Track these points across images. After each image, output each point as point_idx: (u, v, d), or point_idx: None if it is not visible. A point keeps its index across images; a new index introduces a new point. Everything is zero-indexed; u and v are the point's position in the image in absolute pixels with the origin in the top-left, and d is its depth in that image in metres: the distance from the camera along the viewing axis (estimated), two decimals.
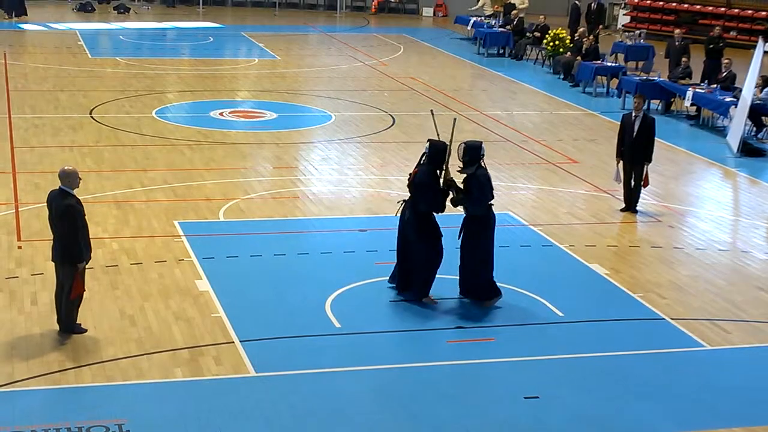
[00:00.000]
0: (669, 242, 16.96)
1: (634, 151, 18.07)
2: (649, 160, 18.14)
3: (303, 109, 26.36)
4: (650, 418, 11.14)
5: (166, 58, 33.25)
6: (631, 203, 18.28)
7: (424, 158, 13.81)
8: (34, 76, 28.82)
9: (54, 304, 12.67)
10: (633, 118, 18.10)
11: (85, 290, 12.58)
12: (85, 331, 12.54)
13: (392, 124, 24.57)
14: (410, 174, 13.98)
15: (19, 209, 17.10)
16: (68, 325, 12.48)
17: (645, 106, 19.70)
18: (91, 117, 24.04)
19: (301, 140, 23.08)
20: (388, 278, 14.37)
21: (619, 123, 18.68)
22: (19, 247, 15.41)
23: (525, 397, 11.51)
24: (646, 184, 18.21)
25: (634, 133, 18.01)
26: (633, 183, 18.21)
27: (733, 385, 11.99)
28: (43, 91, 26.87)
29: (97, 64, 31.45)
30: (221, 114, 25.01)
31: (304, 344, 12.57)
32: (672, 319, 13.79)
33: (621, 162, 18.25)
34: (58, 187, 12.36)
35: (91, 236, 12.60)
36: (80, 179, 12.49)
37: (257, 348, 12.35)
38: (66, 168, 12.44)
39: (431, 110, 15.53)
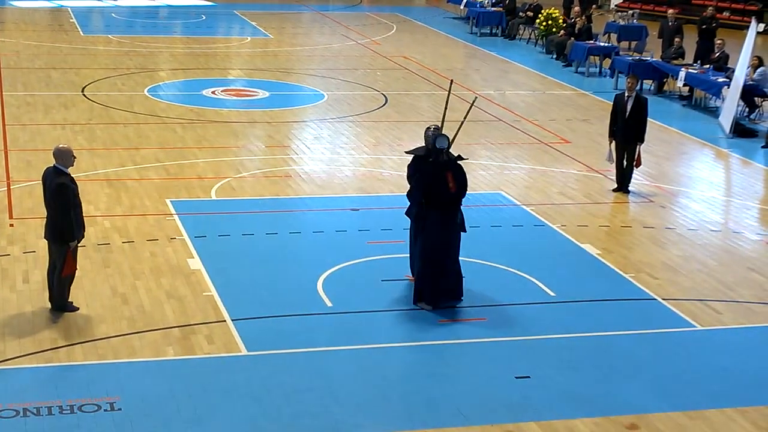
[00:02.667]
0: (661, 222, 16.98)
1: (627, 131, 18.07)
2: (642, 140, 18.14)
3: (295, 88, 26.32)
4: (641, 398, 11.16)
5: (158, 36, 33.15)
6: (623, 183, 18.29)
7: (445, 155, 12.86)
8: (26, 54, 28.72)
9: (46, 282, 12.66)
10: (626, 98, 18.10)
11: (76, 269, 12.56)
12: (77, 309, 12.54)
13: (385, 103, 24.54)
14: (447, 181, 12.98)
15: (11, 187, 17.06)
16: (60, 303, 12.47)
17: (638, 87, 19.67)
18: (83, 95, 23.98)
19: (294, 119, 23.05)
20: (415, 301, 13.24)
21: (611, 103, 18.68)
22: (11, 225, 15.39)
23: (516, 377, 11.52)
24: (638, 165, 18.21)
25: (627, 113, 18.01)
26: (625, 163, 18.21)
27: (724, 365, 12.02)
28: (35, 68, 26.79)
29: (89, 41, 31.36)
30: (213, 92, 24.96)
31: (296, 323, 12.58)
32: (663, 299, 13.82)
33: (613, 142, 18.25)
34: (52, 165, 12.34)
35: (83, 214, 12.58)
36: (74, 157, 12.46)
37: (249, 327, 12.36)
38: (60, 146, 12.42)
39: (451, 80, 15.51)
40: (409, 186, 13.66)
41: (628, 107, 18.00)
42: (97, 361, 11.40)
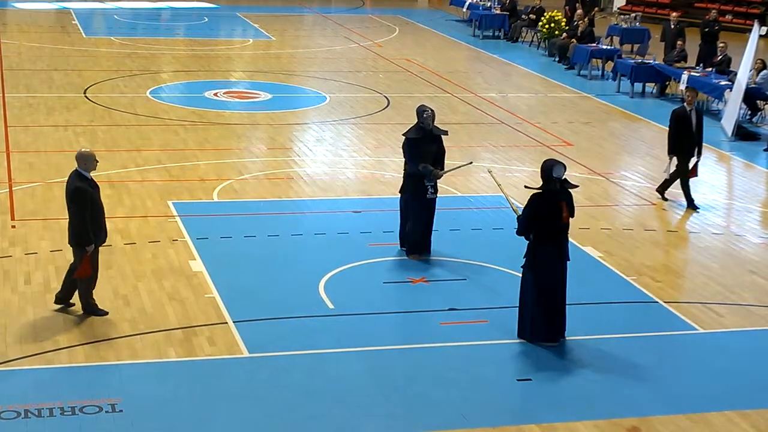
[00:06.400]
0: (663, 225, 16.97)
1: (694, 144, 17.99)
2: (701, 152, 18.10)
3: (297, 90, 26.33)
4: (643, 400, 11.16)
5: (160, 38, 33.17)
6: (663, 189, 18.14)
7: (558, 184, 12.37)
8: (29, 55, 28.74)
9: (47, 284, 12.65)
10: (688, 111, 18.02)
11: (91, 274, 12.46)
12: (106, 313, 12.48)
13: (387, 106, 24.54)
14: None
15: (13, 189, 17.07)
16: (85, 306, 12.43)
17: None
18: (86, 96, 23.99)
19: (296, 121, 23.05)
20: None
21: (614, 106, 18.65)
22: (13, 227, 15.40)
23: (518, 380, 11.53)
24: (694, 174, 18.05)
25: (694, 127, 17.96)
26: (673, 171, 18.01)
27: (726, 368, 12.01)
28: (37, 70, 26.80)
29: (91, 43, 31.38)
30: (216, 94, 24.97)
31: (298, 325, 12.57)
32: (665, 302, 13.81)
33: (675, 157, 18.02)
34: (74, 169, 12.35)
35: (105, 218, 12.57)
36: (97, 162, 12.45)
37: (250, 329, 12.36)
38: (83, 150, 12.47)
39: (489, 171, 15.50)
40: (409, 165, 14.59)
41: (693, 120, 17.95)
42: (99, 362, 11.41)
